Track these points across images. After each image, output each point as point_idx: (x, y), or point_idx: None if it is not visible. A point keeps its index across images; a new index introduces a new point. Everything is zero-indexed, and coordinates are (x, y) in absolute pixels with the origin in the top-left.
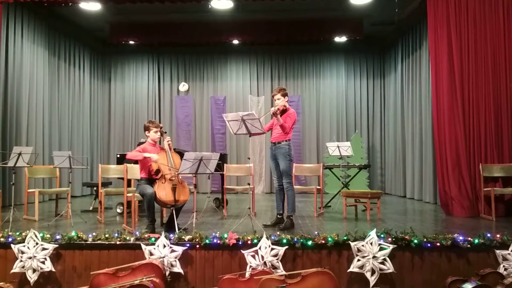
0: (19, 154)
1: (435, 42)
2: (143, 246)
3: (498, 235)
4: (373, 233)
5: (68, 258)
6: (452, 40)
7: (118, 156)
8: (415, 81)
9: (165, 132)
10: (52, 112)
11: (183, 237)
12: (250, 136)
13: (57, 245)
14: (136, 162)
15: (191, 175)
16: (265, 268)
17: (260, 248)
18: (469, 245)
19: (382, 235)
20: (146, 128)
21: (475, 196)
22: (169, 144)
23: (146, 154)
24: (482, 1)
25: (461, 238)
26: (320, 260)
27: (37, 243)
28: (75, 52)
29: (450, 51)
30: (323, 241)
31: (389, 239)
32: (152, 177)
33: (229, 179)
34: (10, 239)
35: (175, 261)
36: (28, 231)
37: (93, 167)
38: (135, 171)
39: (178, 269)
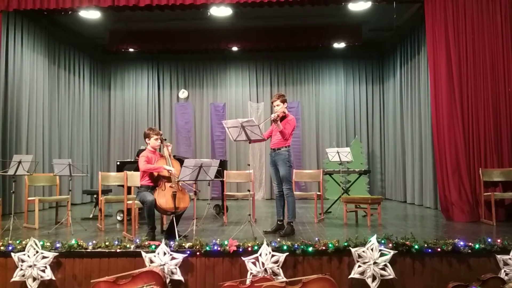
0: (19, 162)
1: (434, 47)
2: (143, 254)
3: (498, 240)
4: (373, 239)
5: (68, 266)
6: (451, 45)
7: (118, 163)
8: (414, 87)
9: (165, 139)
10: (52, 120)
11: (183, 244)
12: (250, 143)
13: (57, 253)
14: (137, 169)
15: (191, 182)
16: (266, 275)
17: (260, 255)
18: (470, 250)
19: (382, 241)
20: (147, 136)
21: (475, 200)
22: (168, 151)
23: (166, 167)
24: (480, 6)
25: (461, 243)
26: (321, 267)
27: (37, 252)
28: (75, 60)
29: (448, 56)
30: (323, 247)
31: (390, 244)
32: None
33: (229, 186)
34: (10, 248)
35: (176, 268)
36: (28, 239)
37: (93, 175)
38: (135, 179)
39: (178, 276)
